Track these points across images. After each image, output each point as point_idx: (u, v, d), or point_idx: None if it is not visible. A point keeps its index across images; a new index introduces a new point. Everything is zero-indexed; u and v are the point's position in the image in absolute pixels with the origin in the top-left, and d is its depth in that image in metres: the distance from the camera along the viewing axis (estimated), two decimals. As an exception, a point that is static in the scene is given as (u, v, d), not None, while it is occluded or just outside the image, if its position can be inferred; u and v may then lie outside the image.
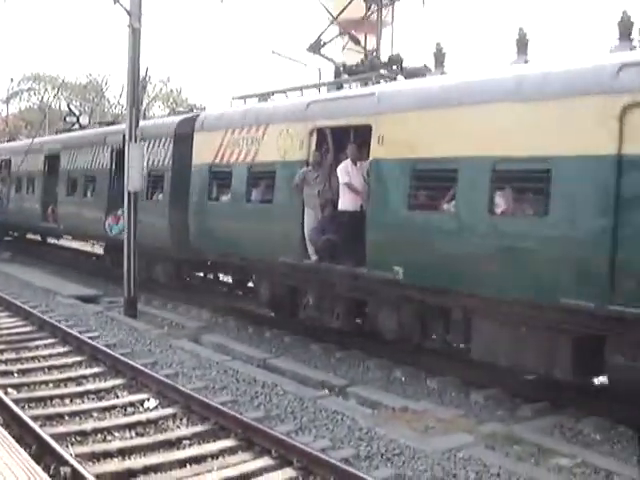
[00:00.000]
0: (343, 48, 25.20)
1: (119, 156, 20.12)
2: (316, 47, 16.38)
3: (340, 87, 14.95)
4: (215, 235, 16.35)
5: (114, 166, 21.31)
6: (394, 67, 14.64)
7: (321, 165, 13.74)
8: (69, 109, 36.16)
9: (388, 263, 11.86)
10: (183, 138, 17.87)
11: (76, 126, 29.71)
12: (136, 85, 16.69)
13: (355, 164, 13.07)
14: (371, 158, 12.47)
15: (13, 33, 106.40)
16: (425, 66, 13.76)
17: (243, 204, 15.36)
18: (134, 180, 16.30)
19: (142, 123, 17.65)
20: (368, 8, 22.69)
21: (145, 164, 17.29)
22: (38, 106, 56.07)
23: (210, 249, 16.88)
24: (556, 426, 9.77)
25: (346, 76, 15.29)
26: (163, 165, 18.67)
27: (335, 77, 15.81)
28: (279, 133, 14.34)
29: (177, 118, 19.47)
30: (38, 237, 33.10)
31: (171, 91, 57.53)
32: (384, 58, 15.56)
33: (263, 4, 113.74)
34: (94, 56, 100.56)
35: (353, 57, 18.43)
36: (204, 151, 16.78)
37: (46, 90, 55.83)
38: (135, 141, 16.50)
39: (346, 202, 13.05)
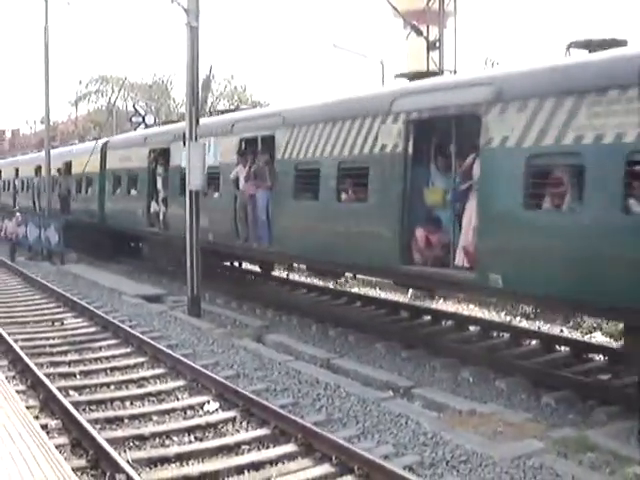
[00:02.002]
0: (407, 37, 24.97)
1: None
2: None
3: None
4: None
5: None
6: None
7: None
8: (134, 109, 36.68)
9: None
10: None
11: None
12: (195, 83, 16.56)
13: None
14: None
15: (80, 37, 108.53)
16: None
17: None
18: (195, 179, 16.19)
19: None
20: (430, -2, 22.36)
21: None
22: (106, 107, 56.93)
23: None
24: (633, 431, 9.19)
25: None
26: None
27: None
28: None
29: None
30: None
31: (235, 88, 57.64)
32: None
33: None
34: (159, 56, 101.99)
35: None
36: None
37: (113, 91, 56.60)
38: (195, 139, 16.39)
39: None
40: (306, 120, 15.56)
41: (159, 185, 22.31)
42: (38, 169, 33.66)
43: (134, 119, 34.87)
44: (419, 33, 23.03)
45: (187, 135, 16.51)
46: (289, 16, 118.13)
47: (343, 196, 14.59)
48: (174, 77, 58.26)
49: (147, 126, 31.57)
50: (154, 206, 22.42)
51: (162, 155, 22.13)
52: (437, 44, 22.78)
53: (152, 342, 13.07)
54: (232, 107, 33.50)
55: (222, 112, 21.18)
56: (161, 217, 21.86)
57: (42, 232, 27.30)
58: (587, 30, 79.62)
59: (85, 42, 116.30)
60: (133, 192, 24.30)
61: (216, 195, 18.81)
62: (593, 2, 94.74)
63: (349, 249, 14.22)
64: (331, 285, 20.89)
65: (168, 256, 21.91)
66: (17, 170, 39.62)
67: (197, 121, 16.51)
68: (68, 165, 30.58)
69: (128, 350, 13.08)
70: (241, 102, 51.81)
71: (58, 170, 30.52)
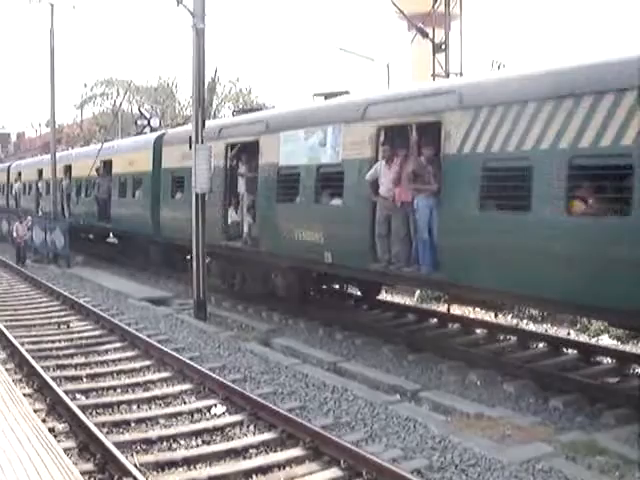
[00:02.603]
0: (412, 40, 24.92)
1: None
2: None
3: None
4: None
5: None
6: None
7: None
8: (140, 112, 36.65)
9: None
10: None
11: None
12: (201, 85, 16.57)
13: None
14: None
15: (85, 40, 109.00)
16: None
17: None
18: (201, 181, 16.18)
19: None
20: (435, 0, 22.29)
21: None
22: (111, 110, 56.96)
23: None
24: (642, 434, 9.21)
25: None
26: None
27: None
28: None
29: None
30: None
31: (240, 91, 57.57)
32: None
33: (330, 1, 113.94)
34: (164, 59, 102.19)
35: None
36: None
37: (118, 94, 56.64)
38: (202, 142, 16.38)
39: None
40: (502, 98, 11.41)
41: (241, 189, 17.92)
42: (68, 170, 30.39)
43: (139, 122, 34.81)
44: (425, 35, 22.98)
45: (193, 137, 16.47)
46: (295, 19, 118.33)
47: (577, 206, 10.29)
48: (179, 80, 58.34)
49: (152, 129, 31.38)
50: (232, 215, 18.18)
51: (245, 151, 17.35)
52: (443, 46, 22.72)
53: (158, 345, 13.05)
54: (236, 110, 32.59)
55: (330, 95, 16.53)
56: (245, 229, 17.55)
57: (48, 235, 27.30)
58: (591, 30, 79.58)
59: (90, 45, 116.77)
60: None
61: (336, 202, 14.66)
62: (596, 3, 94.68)
63: (591, 285, 9.92)
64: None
65: (254, 278, 18.17)
66: (40, 172, 35.37)
67: (203, 123, 16.51)
68: (108, 164, 26.80)
69: (134, 353, 13.08)
70: (246, 104, 51.73)
71: (97, 170, 27.02)
